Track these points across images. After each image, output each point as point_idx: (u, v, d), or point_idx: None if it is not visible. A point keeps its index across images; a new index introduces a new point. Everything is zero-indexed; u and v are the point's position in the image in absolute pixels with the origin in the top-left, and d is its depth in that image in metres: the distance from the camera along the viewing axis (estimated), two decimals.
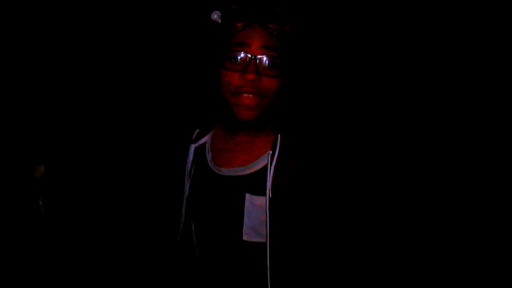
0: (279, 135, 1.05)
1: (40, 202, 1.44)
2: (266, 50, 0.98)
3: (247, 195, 1.03)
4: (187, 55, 1.62)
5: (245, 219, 1.03)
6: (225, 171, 1.07)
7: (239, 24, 0.99)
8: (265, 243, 1.01)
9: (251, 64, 0.97)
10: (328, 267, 1.06)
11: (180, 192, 1.16)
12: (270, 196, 1.00)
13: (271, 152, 1.03)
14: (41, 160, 1.48)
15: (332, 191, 1.04)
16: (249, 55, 0.97)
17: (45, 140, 1.54)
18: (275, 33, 0.99)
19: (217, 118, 1.17)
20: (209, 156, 1.12)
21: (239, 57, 0.98)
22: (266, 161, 1.03)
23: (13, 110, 1.52)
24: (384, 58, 1.61)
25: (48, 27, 1.57)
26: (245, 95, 0.99)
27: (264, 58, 0.98)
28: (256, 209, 1.02)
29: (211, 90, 1.10)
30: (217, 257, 1.09)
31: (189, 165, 1.14)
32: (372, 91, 1.62)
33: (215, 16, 1.03)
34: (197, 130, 1.18)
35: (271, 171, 1.01)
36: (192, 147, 1.14)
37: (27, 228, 1.41)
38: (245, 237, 1.03)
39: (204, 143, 1.15)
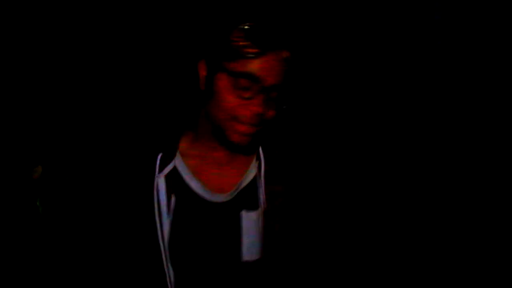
0: (260, 147, 0.98)
1: (38, 203, 1.46)
2: (278, 82, 0.86)
3: (243, 213, 0.95)
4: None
5: (244, 239, 0.94)
6: (220, 197, 0.96)
7: (250, 50, 0.83)
8: (261, 259, 0.94)
9: (261, 98, 0.85)
10: (329, 274, 1.02)
11: (148, 235, 0.95)
12: (265, 207, 0.94)
13: (257, 161, 0.97)
14: (38, 161, 1.50)
15: (327, 189, 1.00)
16: (261, 89, 0.84)
17: (43, 141, 1.55)
18: (284, 62, 0.86)
19: (180, 132, 1.01)
20: (194, 183, 0.96)
21: (248, 88, 0.85)
22: (254, 171, 0.97)
23: (11, 112, 1.53)
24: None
25: (42, 28, 1.58)
26: (246, 125, 0.87)
27: (275, 92, 0.87)
28: (253, 225, 0.95)
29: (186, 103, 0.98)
30: (214, 285, 0.97)
31: (163, 199, 0.95)
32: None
33: None
34: (160, 155, 0.97)
35: (262, 180, 0.95)
36: (162, 178, 0.95)
37: (25, 229, 1.43)
38: (245, 258, 0.94)
39: (176, 169, 0.97)
